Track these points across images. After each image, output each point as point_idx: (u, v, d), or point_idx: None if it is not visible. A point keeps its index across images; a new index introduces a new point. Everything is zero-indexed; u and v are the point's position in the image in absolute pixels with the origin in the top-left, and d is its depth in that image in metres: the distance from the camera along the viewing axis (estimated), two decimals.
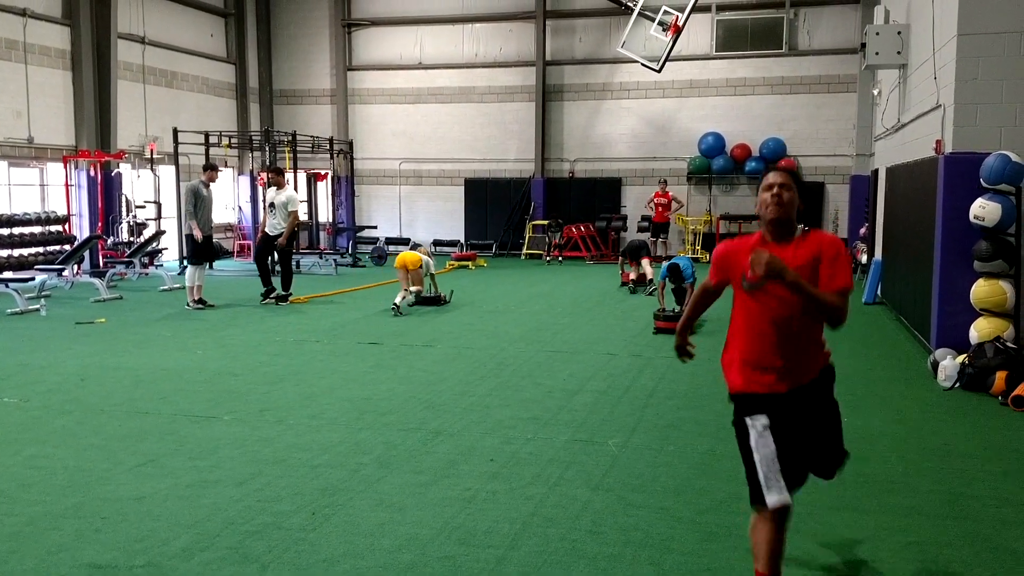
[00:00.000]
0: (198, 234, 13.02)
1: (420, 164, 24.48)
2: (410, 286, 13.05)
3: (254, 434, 6.51)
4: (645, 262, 15.66)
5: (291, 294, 13.75)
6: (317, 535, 4.63)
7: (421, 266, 13.16)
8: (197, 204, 13.18)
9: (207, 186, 13.46)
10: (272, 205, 13.54)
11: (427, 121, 24.29)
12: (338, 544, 4.52)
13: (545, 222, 22.57)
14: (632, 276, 15.71)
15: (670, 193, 20.96)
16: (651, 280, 15.32)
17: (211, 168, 13.77)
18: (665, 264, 11.59)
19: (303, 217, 19.31)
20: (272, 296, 13.60)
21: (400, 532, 4.68)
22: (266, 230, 13.67)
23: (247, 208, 22.44)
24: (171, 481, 5.46)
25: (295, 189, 19.83)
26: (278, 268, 13.99)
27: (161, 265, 18.14)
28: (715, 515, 4.93)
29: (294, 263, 18.77)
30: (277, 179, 13.75)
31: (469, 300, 14.37)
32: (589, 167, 23.41)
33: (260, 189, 14.07)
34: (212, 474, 5.59)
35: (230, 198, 23.31)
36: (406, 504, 5.08)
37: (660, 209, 20.83)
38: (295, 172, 20.09)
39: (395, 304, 12.75)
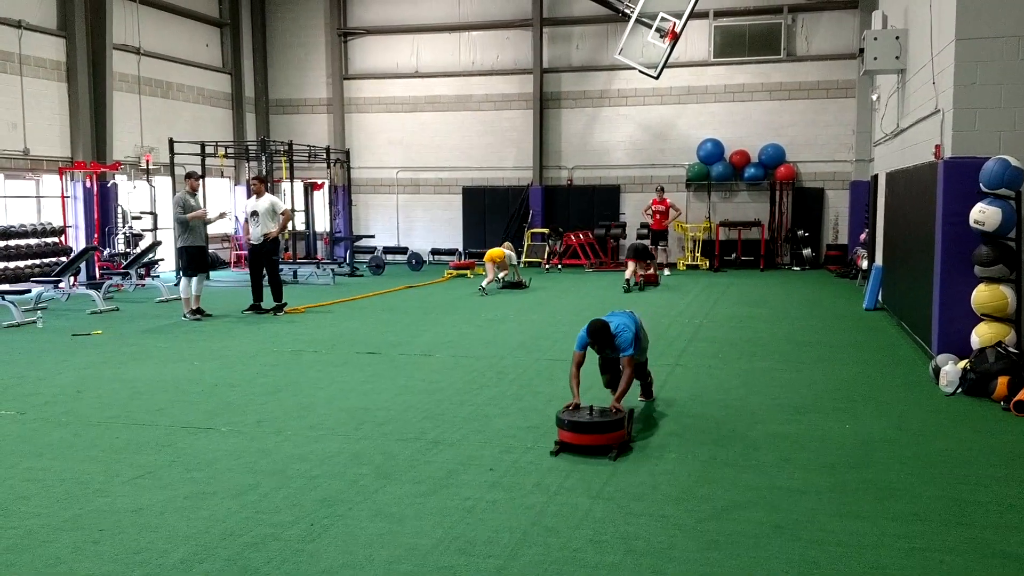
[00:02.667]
0: (210, 215, 13.61)
1: (417, 173, 24.47)
2: (497, 275, 16.77)
3: (252, 445, 6.47)
4: (633, 263, 17.24)
5: (286, 303, 13.71)
6: (316, 546, 4.59)
7: (505, 258, 16.77)
8: (185, 213, 13.17)
9: (193, 195, 13.45)
10: (255, 213, 13.51)
11: (424, 130, 24.29)
12: (337, 555, 4.48)
13: (544, 230, 22.55)
14: (640, 273, 17.30)
15: (668, 200, 20.95)
16: (629, 279, 17.12)
17: (192, 177, 13.73)
18: (586, 326, 6.81)
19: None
20: (261, 310, 13.56)
21: (399, 542, 4.64)
22: (251, 241, 13.64)
23: (243, 218, 22.40)
24: (168, 493, 5.42)
25: (288, 198, 19.87)
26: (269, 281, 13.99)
27: (158, 276, 18.10)
28: (717, 523, 4.90)
29: (291, 273, 18.87)
30: (258, 186, 13.74)
31: (467, 309, 14.34)
32: (587, 175, 23.40)
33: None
34: (210, 486, 5.55)
35: (225, 208, 23.25)
36: (405, 514, 5.04)
37: (658, 217, 20.79)
38: (291, 182, 20.09)
39: (482, 287, 16.32)
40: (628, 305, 14.66)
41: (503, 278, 17.12)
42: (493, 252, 16.90)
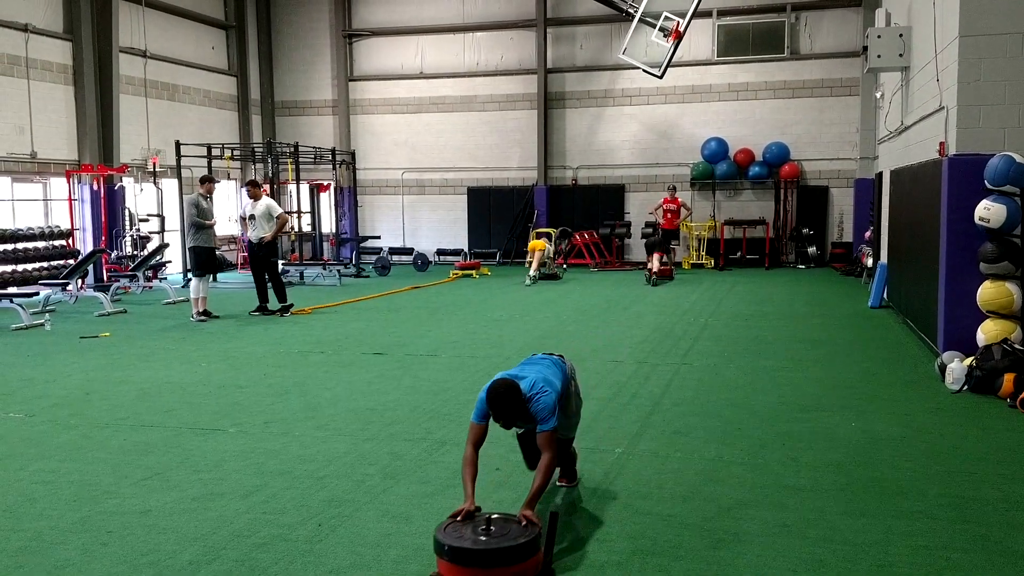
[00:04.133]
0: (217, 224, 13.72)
1: (422, 173, 24.50)
2: (540, 265, 18.39)
3: (259, 446, 6.49)
4: (655, 256, 17.91)
5: (292, 304, 13.73)
6: (323, 546, 4.61)
7: (545, 249, 18.55)
8: (199, 216, 13.25)
9: (206, 198, 13.49)
10: (252, 217, 13.55)
11: (429, 130, 24.32)
12: (345, 555, 4.49)
13: (548, 230, 22.54)
14: (654, 268, 17.95)
15: (679, 199, 20.94)
16: (650, 271, 17.82)
17: (208, 180, 13.79)
18: (486, 386, 4.58)
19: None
20: (268, 311, 13.59)
21: (407, 543, 4.65)
22: (250, 238, 13.70)
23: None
24: (177, 494, 5.45)
25: (295, 200, 19.92)
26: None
27: (165, 278, 18.14)
28: (723, 521, 4.90)
29: (298, 274, 18.92)
30: (254, 191, 13.76)
31: (473, 309, 14.36)
32: (592, 174, 23.40)
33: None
34: (218, 487, 5.57)
35: (232, 211, 23.31)
36: (412, 514, 5.06)
37: (669, 216, 20.78)
38: (298, 183, 20.13)
39: (529, 275, 18.12)
40: (641, 299, 14.72)
41: (541, 271, 18.48)
42: (537, 243, 18.65)
